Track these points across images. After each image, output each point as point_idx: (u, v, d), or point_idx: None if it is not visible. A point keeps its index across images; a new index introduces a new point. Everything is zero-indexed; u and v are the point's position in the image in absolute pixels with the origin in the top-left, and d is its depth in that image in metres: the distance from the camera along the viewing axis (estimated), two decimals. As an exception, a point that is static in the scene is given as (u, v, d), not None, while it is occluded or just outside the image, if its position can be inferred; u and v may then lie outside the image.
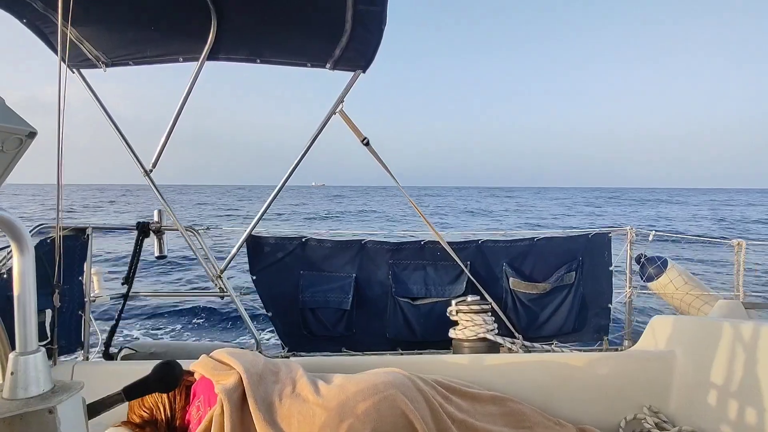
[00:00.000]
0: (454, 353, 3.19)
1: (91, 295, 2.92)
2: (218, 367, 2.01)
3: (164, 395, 1.96)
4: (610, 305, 3.66)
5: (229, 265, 3.27)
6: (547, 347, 3.18)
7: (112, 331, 2.98)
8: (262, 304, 3.48)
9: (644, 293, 4.06)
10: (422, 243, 3.57)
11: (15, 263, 0.94)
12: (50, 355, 2.45)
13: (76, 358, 2.80)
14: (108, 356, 2.93)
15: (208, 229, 3.39)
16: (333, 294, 3.46)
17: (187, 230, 3.24)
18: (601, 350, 3.36)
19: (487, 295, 3.42)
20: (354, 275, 3.51)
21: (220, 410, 1.81)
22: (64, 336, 2.68)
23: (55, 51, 2.64)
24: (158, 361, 1.23)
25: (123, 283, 3.08)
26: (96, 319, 3.02)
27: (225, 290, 3.24)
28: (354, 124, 3.05)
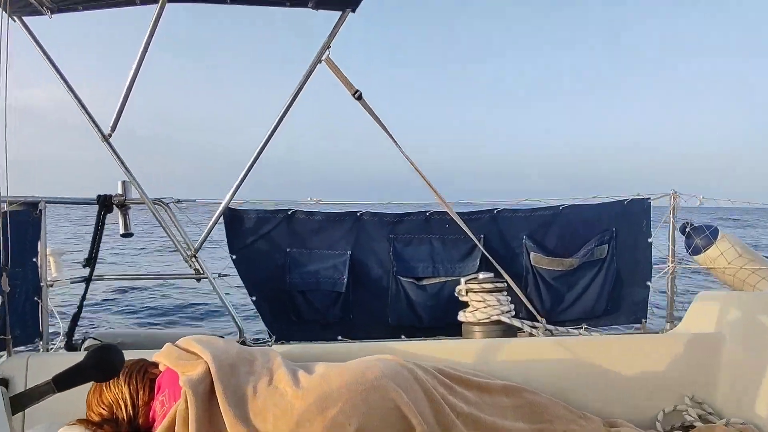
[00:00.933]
0: (464, 338, 3.30)
1: (48, 278, 3.02)
2: (184, 356, 2.05)
3: (125, 389, 1.99)
4: (648, 283, 3.73)
5: (205, 243, 3.34)
6: (574, 332, 3.27)
7: (75, 319, 3.08)
8: (244, 288, 3.56)
9: (689, 269, 4.10)
10: (428, 214, 3.64)
11: None
12: (2, 346, 2.54)
13: (37, 349, 2.90)
14: (70, 347, 3.04)
15: (179, 201, 3.44)
16: (325, 274, 3.55)
17: (155, 203, 3.30)
18: (638, 334, 3.39)
19: (504, 273, 3.49)
20: (349, 252, 3.60)
21: (185, 405, 1.85)
22: (18, 325, 2.75)
23: None
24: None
25: (84, 265, 3.18)
26: (56, 306, 3.12)
27: (201, 272, 3.33)
28: (343, 75, 3.08)
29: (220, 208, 3.38)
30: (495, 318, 3.25)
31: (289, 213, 3.58)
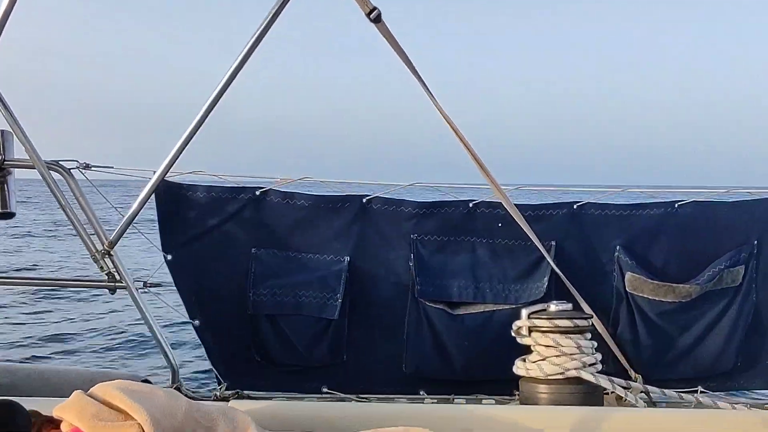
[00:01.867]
0: (521, 403, 3.19)
1: None
2: (104, 413, 2.00)
3: None
4: None
5: (126, 233, 3.21)
6: (688, 397, 3.16)
7: None
8: (182, 305, 3.47)
9: None
10: (471, 204, 3.49)
11: None
12: None
13: None
14: None
15: (87, 167, 3.28)
16: (309, 291, 3.44)
17: (50, 168, 3.14)
18: None
19: (583, 303, 3.32)
20: (347, 259, 3.48)
21: None
22: None
23: None
24: None
25: None
26: None
27: (118, 278, 3.21)
28: None
29: (152, 181, 3.19)
30: (572, 374, 3.08)
31: (258, 193, 3.44)
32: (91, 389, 2.13)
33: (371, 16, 2.87)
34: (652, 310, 3.47)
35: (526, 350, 3.21)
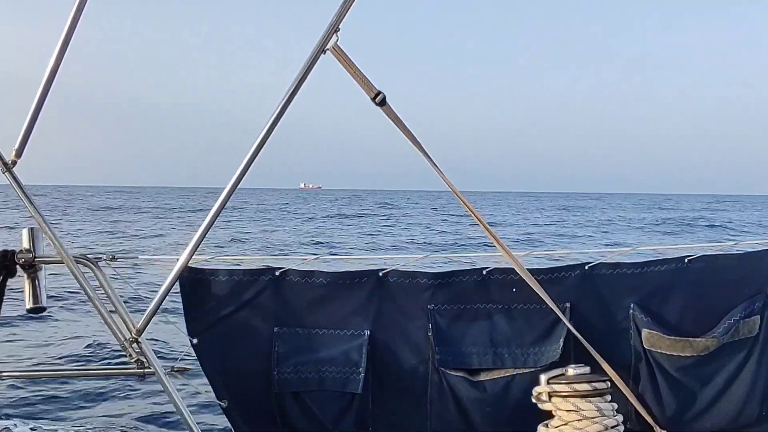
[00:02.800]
0: None
1: None
2: None
3: None
4: None
5: (153, 320, 3.21)
6: None
7: None
8: (209, 387, 3.45)
9: None
10: (484, 272, 3.51)
11: None
12: None
13: None
14: None
15: (113, 259, 3.35)
16: (332, 366, 3.44)
17: (78, 261, 3.17)
18: None
19: (603, 362, 3.28)
20: (367, 332, 3.47)
21: None
22: None
23: None
24: None
25: None
26: None
27: (146, 364, 3.20)
28: (359, 70, 3.04)
29: (176, 268, 3.23)
30: (594, 437, 3.06)
31: (278, 274, 3.47)
32: None
33: (376, 100, 3.00)
34: (671, 366, 3.42)
35: (548, 415, 3.18)
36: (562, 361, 3.34)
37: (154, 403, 6.99)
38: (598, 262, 3.54)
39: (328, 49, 2.95)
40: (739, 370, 3.45)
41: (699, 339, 3.42)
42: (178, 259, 3.24)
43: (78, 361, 9.88)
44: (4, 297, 3.17)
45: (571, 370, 3.16)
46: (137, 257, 3.49)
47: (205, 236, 3.15)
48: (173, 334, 3.54)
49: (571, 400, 3.10)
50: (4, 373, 3.43)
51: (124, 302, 3.28)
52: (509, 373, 3.43)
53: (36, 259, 3.13)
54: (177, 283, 3.30)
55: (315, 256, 3.55)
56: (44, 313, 3.50)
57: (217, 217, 3.14)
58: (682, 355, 3.42)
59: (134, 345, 3.17)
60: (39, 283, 3.21)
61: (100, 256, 3.30)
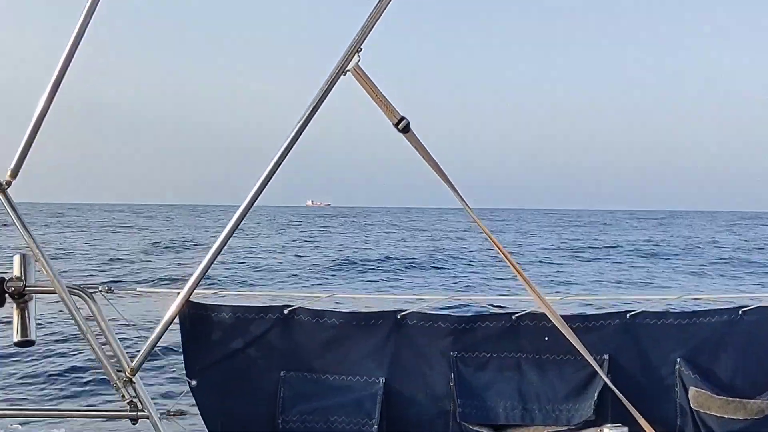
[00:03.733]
0: None
1: None
2: None
3: None
4: None
5: (149, 358, 3.15)
6: None
7: None
8: None
9: None
10: (513, 317, 3.43)
11: None
12: None
13: None
14: None
15: (109, 290, 3.26)
16: (342, 416, 3.36)
17: (72, 292, 3.11)
18: None
19: (644, 422, 3.07)
20: (382, 380, 3.40)
21: None
22: None
23: None
24: None
25: None
26: None
27: (140, 407, 3.10)
28: (381, 94, 2.96)
29: (176, 303, 3.14)
30: None
31: (286, 312, 3.40)
32: None
33: (399, 126, 2.90)
34: (721, 430, 3.31)
35: (583, 481, 3.03)
36: (598, 420, 3.25)
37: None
38: (641, 310, 3.44)
39: (348, 70, 2.89)
40: None
41: (753, 401, 3.31)
42: (178, 293, 3.15)
43: (66, 398, 9.82)
44: None
45: (608, 431, 3.07)
46: (135, 289, 3.44)
47: (209, 268, 3.06)
48: (170, 374, 3.43)
49: None
50: None
51: (120, 338, 3.19)
52: None
53: (27, 288, 3.04)
54: (177, 318, 3.21)
55: (328, 294, 3.49)
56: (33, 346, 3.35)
57: (224, 247, 3.07)
58: (733, 417, 3.29)
59: (127, 385, 3.09)
60: (29, 314, 3.11)
61: (95, 286, 3.23)
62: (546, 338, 3.39)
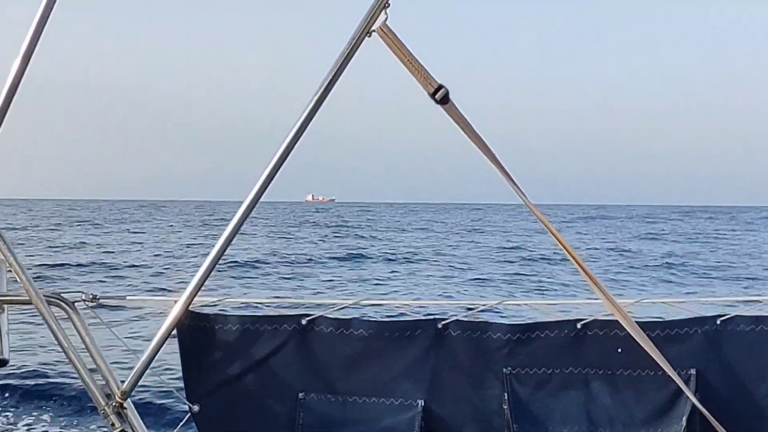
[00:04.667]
0: None
1: None
2: None
3: None
4: None
5: (143, 379, 3.03)
6: None
7: None
8: None
9: None
10: (579, 326, 3.26)
11: None
12: None
13: None
14: None
15: (94, 299, 3.15)
16: None
17: (50, 302, 3.00)
18: None
19: None
20: (421, 403, 3.24)
21: None
22: None
23: None
24: None
25: None
26: None
27: None
28: (414, 58, 2.72)
29: (174, 313, 2.95)
30: None
31: (305, 322, 3.24)
32: None
33: (436, 96, 2.63)
34: None
35: None
36: None
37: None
38: (734, 315, 3.23)
39: (374, 30, 2.66)
40: None
41: None
42: (176, 301, 2.95)
43: (44, 427, 9.68)
44: None
45: None
46: (125, 297, 3.32)
47: (210, 272, 2.87)
48: (168, 398, 3.31)
49: None
50: None
51: (108, 356, 3.04)
52: None
53: None
54: (174, 331, 3.03)
55: (353, 300, 3.32)
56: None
57: (226, 249, 2.91)
58: None
59: (117, 410, 2.93)
60: (0, 329, 3.00)
61: (78, 295, 3.11)
62: (619, 350, 3.18)
